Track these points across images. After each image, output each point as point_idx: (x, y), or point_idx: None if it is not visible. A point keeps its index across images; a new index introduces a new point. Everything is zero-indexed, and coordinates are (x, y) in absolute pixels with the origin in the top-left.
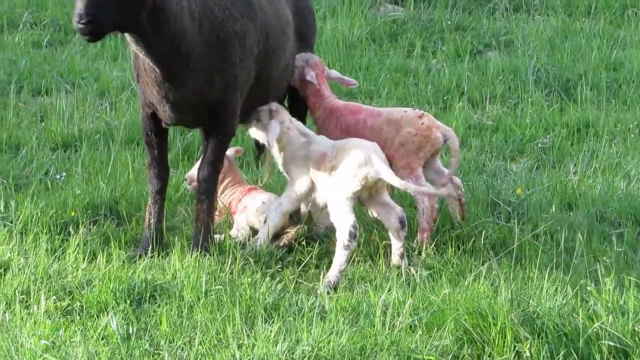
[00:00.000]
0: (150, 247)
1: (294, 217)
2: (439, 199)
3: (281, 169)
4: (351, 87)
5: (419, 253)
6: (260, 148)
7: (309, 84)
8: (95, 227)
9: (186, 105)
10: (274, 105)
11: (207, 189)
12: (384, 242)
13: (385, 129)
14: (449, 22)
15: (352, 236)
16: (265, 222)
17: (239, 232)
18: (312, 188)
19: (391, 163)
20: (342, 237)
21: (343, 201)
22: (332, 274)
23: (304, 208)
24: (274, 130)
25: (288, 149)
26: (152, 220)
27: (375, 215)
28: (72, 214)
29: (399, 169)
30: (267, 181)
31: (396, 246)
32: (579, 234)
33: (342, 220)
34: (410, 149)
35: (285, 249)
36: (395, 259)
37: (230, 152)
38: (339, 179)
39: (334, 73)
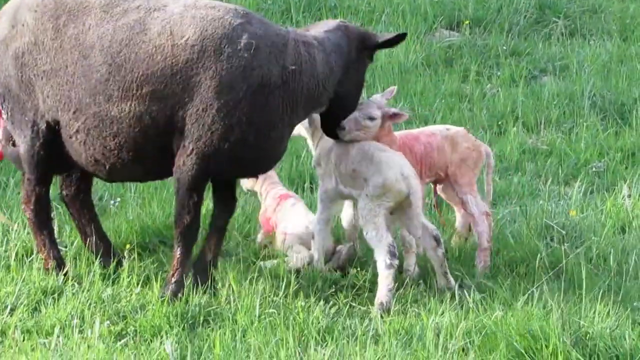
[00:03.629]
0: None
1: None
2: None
3: (313, 165)
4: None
5: (474, 277)
6: None
7: (386, 124)
8: (148, 252)
9: None
10: None
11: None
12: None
13: (445, 145)
14: (505, 48)
15: (392, 255)
16: (313, 238)
17: (294, 258)
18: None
19: (450, 181)
20: (381, 257)
21: (377, 220)
22: (382, 295)
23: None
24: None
25: (321, 143)
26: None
27: (408, 235)
28: (127, 246)
29: (462, 186)
30: None
31: (437, 265)
32: (632, 256)
33: (379, 240)
34: (470, 165)
35: (339, 272)
36: (440, 279)
37: None
38: (370, 194)
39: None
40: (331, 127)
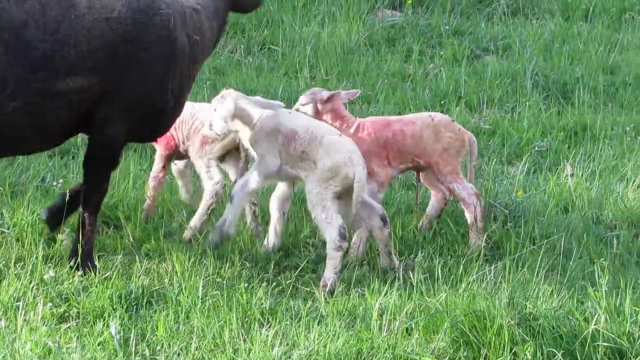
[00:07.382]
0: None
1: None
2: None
3: (247, 144)
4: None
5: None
6: None
7: (325, 109)
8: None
9: None
10: (222, 92)
11: None
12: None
13: (425, 134)
14: (447, 27)
15: (342, 237)
16: (231, 202)
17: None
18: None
19: (433, 170)
20: (331, 239)
21: (325, 202)
22: (328, 276)
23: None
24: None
25: (261, 122)
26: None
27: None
28: (69, 227)
29: (446, 175)
30: None
31: (382, 245)
32: (575, 236)
33: (329, 222)
34: (452, 154)
35: (282, 253)
36: (384, 259)
37: None
38: (318, 177)
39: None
40: None
